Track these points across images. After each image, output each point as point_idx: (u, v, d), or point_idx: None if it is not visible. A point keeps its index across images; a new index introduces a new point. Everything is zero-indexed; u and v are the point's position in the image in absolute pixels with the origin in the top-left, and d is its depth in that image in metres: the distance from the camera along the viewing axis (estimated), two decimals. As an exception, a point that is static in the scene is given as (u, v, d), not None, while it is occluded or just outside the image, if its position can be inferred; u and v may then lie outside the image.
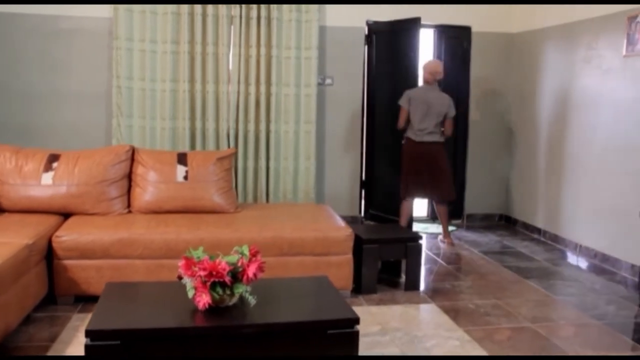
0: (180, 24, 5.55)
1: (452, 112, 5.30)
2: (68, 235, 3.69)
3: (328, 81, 5.96)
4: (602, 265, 4.85)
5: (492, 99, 6.37)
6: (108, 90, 5.60)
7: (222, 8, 5.56)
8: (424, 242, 5.55)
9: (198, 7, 5.54)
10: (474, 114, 6.31)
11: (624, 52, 4.67)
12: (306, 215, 4.28)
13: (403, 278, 4.33)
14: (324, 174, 6.07)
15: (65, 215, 4.07)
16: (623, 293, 4.30)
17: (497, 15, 6.23)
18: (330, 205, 6.05)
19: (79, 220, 3.94)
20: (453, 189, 5.52)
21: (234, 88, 5.67)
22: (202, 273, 2.58)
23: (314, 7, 5.71)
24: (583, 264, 5.03)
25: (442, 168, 5.35)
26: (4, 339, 3.03)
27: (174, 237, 3.77)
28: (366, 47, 6.06)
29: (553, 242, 5.59)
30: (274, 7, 5.61)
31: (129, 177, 4.29)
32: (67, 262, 3.68)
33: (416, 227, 6.02)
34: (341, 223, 4.11)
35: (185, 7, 5.52)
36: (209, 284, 2.57)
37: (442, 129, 5.32)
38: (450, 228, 6.14)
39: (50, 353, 3.06)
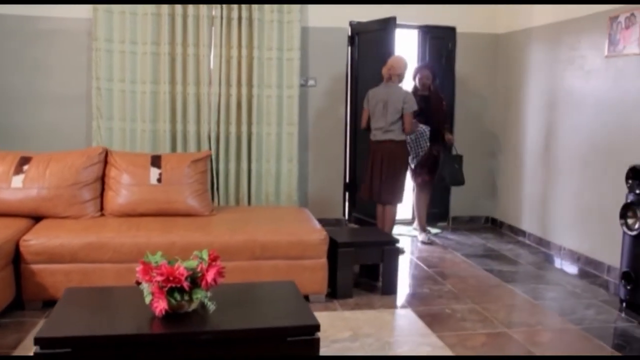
0: (160, 25, 5.50)
1: (410, 107, 4.89)
2: (36, 239, 3.63)
3: (311, 82, 5.90)
4: (586, 268, 4.78)
5: (477, 100, 6.30)
6: (88, 92, 5.54)
7: (203, 8, 5.51)
8: (408, 245, 5.55)
9: (178, 8, 5.48)
10: (458, 115, 6.24)
11: (605, 53, 4.60)
12: (281, 219, 4.22)
13: (381, 282, 4.27)
14: (307, 176, 6.01)
15: (37, 218, 4.02)
16: (604, 297, 4.23)
17: (483, 15, 6.17)
18: (314, 208, 6.01)
19: (49, 223, 3.88)
20: (396, 193, 5.03)
21: (215, 90, 5.61)
22: (159, 278, 2.52)
23: (296, 8, 5.65)
24: (567, 267, 4.96)
25: (391, 167, 4.97)
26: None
27: (145, 240, 3.71)
28: (349, 48, 6.00)
29: (538, 245, 5.52)
30: (255, 7, 5.55)
31: (102, 179, 4.23)
32: (34, 266, 3.62)
33: (400, 229, 5.97)
34: (316, 226, 4.05)
35: (165, 8, 5.46)
36: (166, 289, 2.52)
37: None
38: (436, 230, 6.08)
39: (11, 360, 3.00)
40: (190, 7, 5.49)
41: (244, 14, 5.57)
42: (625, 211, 3.94)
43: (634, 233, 3.84)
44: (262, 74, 5.65)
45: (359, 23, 5.92)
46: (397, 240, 4.28)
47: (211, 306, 2.55)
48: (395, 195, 5.04)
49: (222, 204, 5.69)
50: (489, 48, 6.23)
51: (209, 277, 2.57)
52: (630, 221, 3.90)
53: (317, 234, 3.90)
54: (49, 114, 5.56)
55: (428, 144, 5.41)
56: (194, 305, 2.59)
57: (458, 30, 6.12)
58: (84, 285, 3.52)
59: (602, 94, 4.68)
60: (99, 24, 5.39)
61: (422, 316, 3.77)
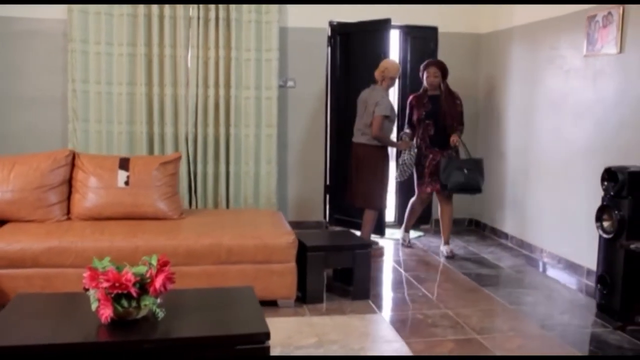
0: (136, 26, 5.42)
1: (380, 111, 4.74)
2: (-4, 244, 3.55)
3: (290, 83, 5.83)
4: (565, 271, 4.69)
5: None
6: (64, 94, 5.47)
7: (180, 9, 5.44)
8: (390, 248, 5.45)
9: (155, 8, 5.41)
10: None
11: (584, 52, 4.53)
12: (252, 222, 4.13)
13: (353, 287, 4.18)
14: (286, 178, 5.92)
15: (1, 222, 3.94)
16: (580, 301, 4.14)
17: (464, 15, 6.09)
18: (294, 210, 5.94)
19: (12, 227, 3.80)
20: (370, 197, 4.93)
21: (193, 91, 5.54)
22: (106, 284, 2.44)
23: (274, 8, 5.57)
24: (547, 270, 4.87)
25: (365, 171, 4.89)
26: None
27: (108, 245, 3.63)
28: (329, 48, 5.92)
29: (519, 248, 5.43)
30: (232, 7, 5.48)
31: (70, 182, 4.16)
32: (-5, 271, 3.55)
33: (392, 233, 5.88)
34: (286, 230, 3.96)
35: (141, 8, 5.39)
36: (112, 296, 2.44)
37: None
38: (418, 234, 6.00)
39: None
40: (167, 8, 5.42)
41: (222, 14, 5.50)
42: (601, 214, 3.85)
43: (610, 236, 3.76)
44: (240, 75, 5.58)
45: (340, 24, 5.85)
46: (369, 244, 4.19)
47: (160, 313, 2.48)
48: (368, 199, 4.95)
49: (200, 207, 5.62)
50: (471, 48, 6.15)
51: (157, 283, 2.49)
52: (605, 224, 3.81)
53: (284, 238, 3.81)
54: (25, 116, 5.49)
55: (411, 169, 5.23)
56: (142, 312, 2.51)
57: (440, 30, 6.04)
58: (46, 291, 3.45)
59: (580, 93, 4.60)
60: (74, 24, 5.32)
61: (392, 322, 3.68)
